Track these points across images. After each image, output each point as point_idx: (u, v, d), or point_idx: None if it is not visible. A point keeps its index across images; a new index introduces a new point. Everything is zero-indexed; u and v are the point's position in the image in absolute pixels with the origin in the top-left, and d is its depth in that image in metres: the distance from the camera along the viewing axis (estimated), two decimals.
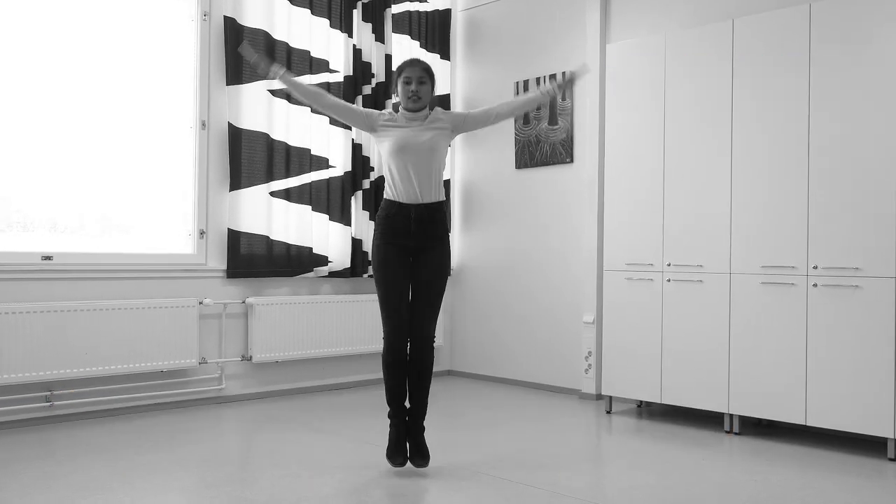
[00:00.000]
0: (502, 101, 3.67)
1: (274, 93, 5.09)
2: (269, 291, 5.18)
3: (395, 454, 3.40)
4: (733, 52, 4.19)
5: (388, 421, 3.46)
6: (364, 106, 5.51)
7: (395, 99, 3.49)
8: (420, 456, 3.40)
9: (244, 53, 3.55)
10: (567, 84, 3.54)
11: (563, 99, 3.51)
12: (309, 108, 5.23)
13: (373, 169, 5.58)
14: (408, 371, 3.44)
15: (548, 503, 3.00)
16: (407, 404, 3.46)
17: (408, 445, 3.44)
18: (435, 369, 6.00)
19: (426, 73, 3.41)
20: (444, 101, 6.08)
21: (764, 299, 4.04)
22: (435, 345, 3.51)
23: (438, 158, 3.40)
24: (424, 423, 3.48)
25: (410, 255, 3.40)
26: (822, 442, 4.06)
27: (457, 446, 3.87)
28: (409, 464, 3.43)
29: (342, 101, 3.56)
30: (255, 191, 5.02)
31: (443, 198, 3.43)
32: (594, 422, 4.54)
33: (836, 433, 4.16)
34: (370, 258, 3.47)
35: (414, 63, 3.42)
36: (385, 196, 3.43)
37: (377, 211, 3.49)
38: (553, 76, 5.51)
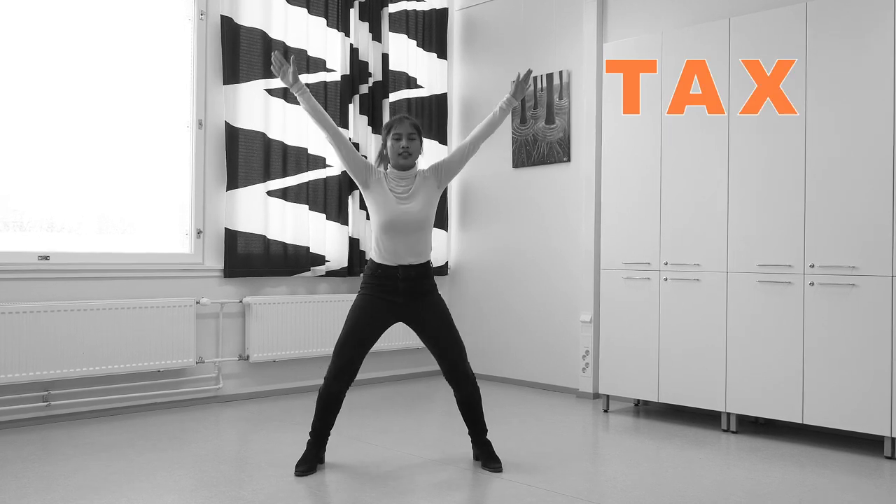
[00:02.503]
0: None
1: (271, 92, 5.09)
2: (267, 291, 5.18)
3: (302, 462, 3.39)
4: (730, 50, 4.19)
5: (308, 437, 3.49)
6: (361, 106, 5.52)
7: (384, 165, 3.49)
8: (493, 460, 3.46)
9: (276, 57, 3.41)
10: (518, 89, 3.52)
11: (518, 99, 3.54)
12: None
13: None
14: (460, 409, 3.50)
15: (545, 502, 3.01)
16: (331, 430, 3.48)
17: (480, 456, 3.51)
18: (432, 369, 6.05)
19: (415, 129, 3.43)
20: (441, 101, 6.08)
21: (761, 298, 4.05)
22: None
23: (428, 226, 3.43)
24: (488, 438, 3.58)
25: (396, 311, 3.40)
26: (818, 440, 4.07)
27: (453, 445, 3.87)
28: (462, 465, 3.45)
29: (347, 140, 3.45)
30: (252, 190, 5.01)
31: (429, 257, 3.46)
32: (591, 421, 4.54)
33: (833, 431, 4.18)
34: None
35: (402, 120, 3.43)
36: (370, 256, 3.46)
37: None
38: (549, 75, 5.52)
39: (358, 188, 5.40)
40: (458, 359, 3.42)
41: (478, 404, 3.48)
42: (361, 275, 3.46)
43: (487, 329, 5.97)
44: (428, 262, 3.45)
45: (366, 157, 3.52)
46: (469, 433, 3.53)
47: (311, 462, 3.40)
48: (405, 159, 3.40)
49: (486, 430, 3.52)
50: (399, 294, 3.37)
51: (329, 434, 3.46)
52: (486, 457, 3.48)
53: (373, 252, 3.44)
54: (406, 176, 3.43)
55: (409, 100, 5.89)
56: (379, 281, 3.38)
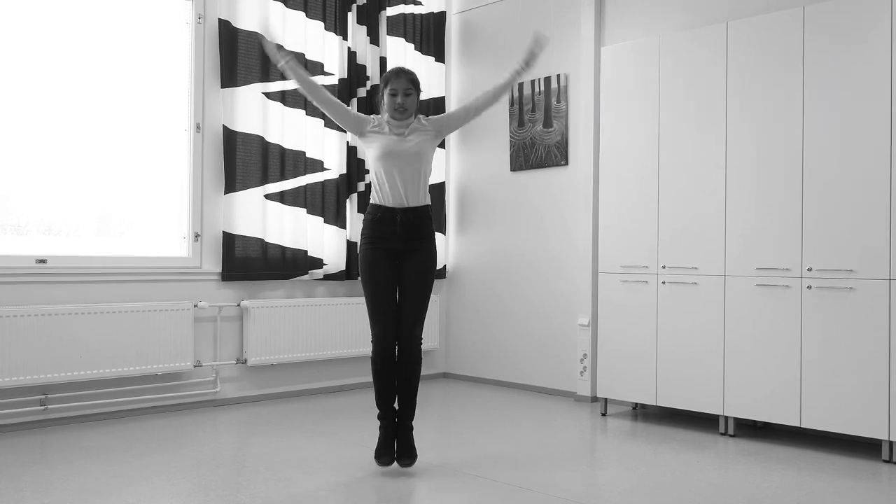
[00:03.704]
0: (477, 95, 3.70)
1: (269, 95, 5.09)
2: (264, 294, 5.18)
3: (383, 454, 3.43)
4: (727, 54, 4.20)
5: (379, 423, 3.51)
6: (358, 109, 5.52)
7: (383, 113, 3.51)
8: (407, 455, 3.44)
9: (264, 44, 3.58)
10: (530, 58, 3.60)
11: (529, 67, 3.68)
12: (304, 111, 5.24)
13: (367, 171, 5.58)
14: (396, 372, 3.46)
15: None
16: (396, 405, 3.48)
17: (396, 445, 3.48)
18: (430, 372, 6.05)
19: (412, 84, 3.43)
20: (439, 104, 6.08)
21: (758, 301, 4.05)
22: (423, 346, 3.53)
23: (425, 163, 3.44)
24: (412, 424, 3.52)
25: (397, 258, 3.43)
26: (816, 444, 4.07)
27: (451, 448, 3.87)
28: (396, 464, 3.46)
29: (337, 100, 3.56)
30: (250, 193, 5.01)
31: (428, 202, 3.48)
32: (589, 424, 4.54)
33: (831, 435, 4.18)
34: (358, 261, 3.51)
35: (399, 74, 3.43)
36: (371, 200, 3.47)
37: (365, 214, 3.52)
38: (547, 79, 5.53)
39: (355, 191, 5.50)
40: (414, 319, 3.43)
41: (416, 373, 3.46)
42: (362, 220, 3.51)
43: (485, 332, 5.97)
44: (427, 207, 3.47)
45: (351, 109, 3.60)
46: (397, 412, 3.47)
47: (390, 450, 3.43)
48: (401, 114, 3.43)
49: (413, 414, 3.49)
50: (398, 239, 3.39)
51: (395, 408, 3.46)
52: (403, 448, 3.44)
53: (372, 195, 3.46)
54: (402, 125, 3.46)
55: None
56: (378, 226, 3.40)
